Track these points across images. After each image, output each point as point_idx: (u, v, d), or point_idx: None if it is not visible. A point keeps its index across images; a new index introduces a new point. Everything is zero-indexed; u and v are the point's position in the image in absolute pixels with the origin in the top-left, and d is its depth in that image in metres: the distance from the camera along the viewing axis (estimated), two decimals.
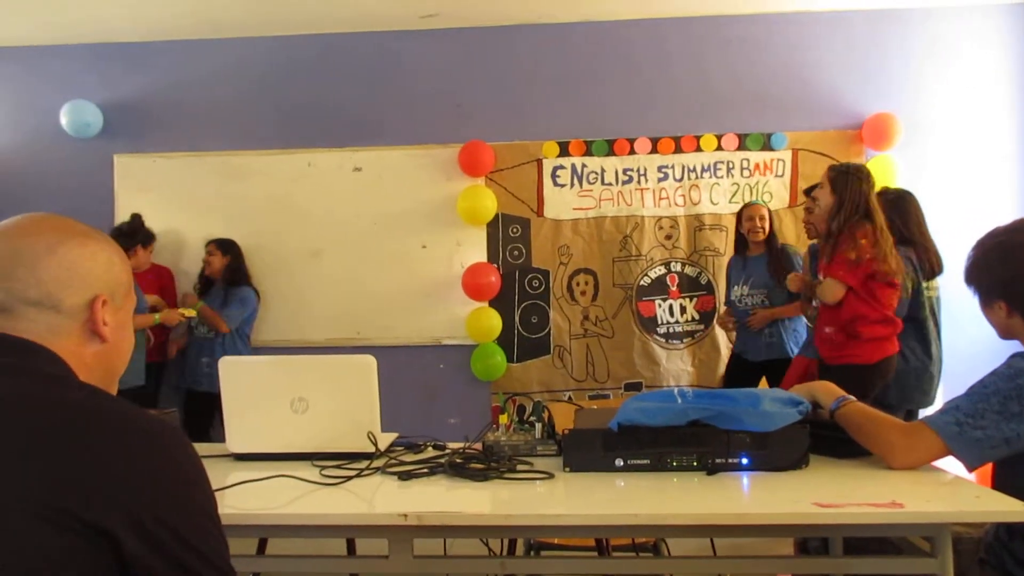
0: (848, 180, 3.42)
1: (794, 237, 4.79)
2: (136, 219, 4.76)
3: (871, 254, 3.27)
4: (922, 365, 3.70)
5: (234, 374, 2.03)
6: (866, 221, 3.35)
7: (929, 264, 3.71)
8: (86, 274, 1.06)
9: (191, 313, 4.60)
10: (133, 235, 4.63)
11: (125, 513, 0.88)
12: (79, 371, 1.03)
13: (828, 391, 1.90)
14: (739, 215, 4.47)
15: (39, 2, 4.64)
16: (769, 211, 4.38)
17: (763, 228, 4.32)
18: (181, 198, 5.23)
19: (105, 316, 1.07)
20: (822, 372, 3.55)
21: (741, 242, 4.46)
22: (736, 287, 4.41)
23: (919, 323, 3.69)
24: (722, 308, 4.77)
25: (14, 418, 0.90)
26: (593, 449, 1.78)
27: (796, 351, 4.25)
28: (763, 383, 4.34)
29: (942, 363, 3.77)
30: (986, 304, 1.77)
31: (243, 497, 1.69)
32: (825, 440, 1.84)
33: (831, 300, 3.36)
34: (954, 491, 1.58)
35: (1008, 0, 4.92)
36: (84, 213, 4.61)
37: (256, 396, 2.02)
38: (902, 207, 3.73)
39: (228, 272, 4.86)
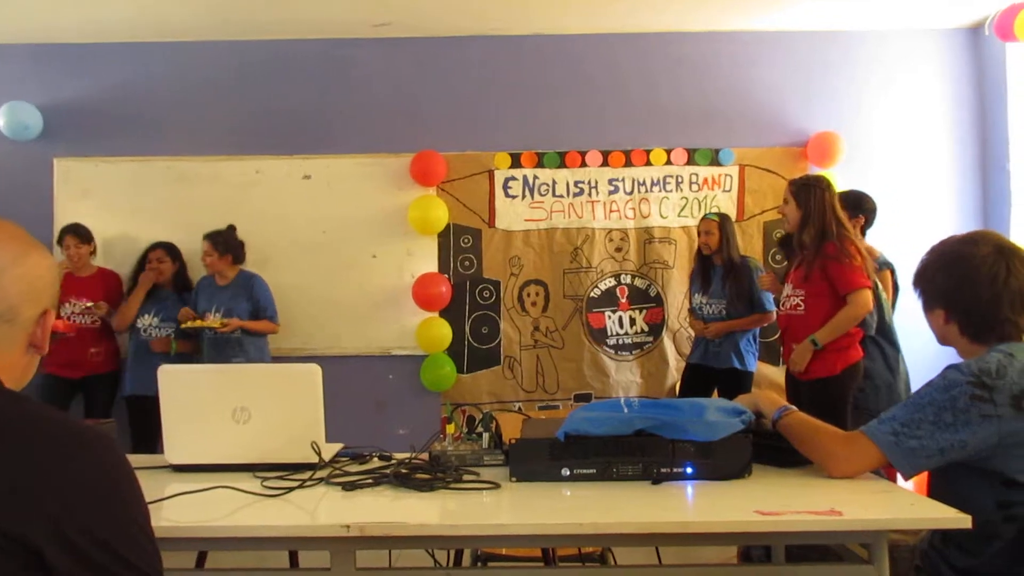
0: (810, 191, 3.57)
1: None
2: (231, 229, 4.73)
3: (860, 260, 3.41)
4: (904, 371, 3.79)
5: (174, 383, 1.98)
6: (844, 231, 3.48)
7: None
8: (43, 288, 1.05)
9: (215, 324, 4.43)
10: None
11: (49, 523, 0.85)
12: (7, 381, 1.00)
13: (771, 401, 1.93)
14: (698, 227, 4.55)
15: None
16: (723, 224, 4.42)
17: (707, 244, 4.40)
18: (125, 204, 5.11)
19: (47, 328, 1.06)
20: (795, 390, 3.63)
21: (701, 252, 4.51)
22: (696, 295, 4.49)
23: (890, 330, 3.77)
24: (686, 315, 4.82)
25: None
26: (540, 459, 1.78)
27: (744, 363, 4.33)
28: (715, 395, 4.40)
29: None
30: (927, 309, 1.82)
31: (181, 509, 1.65)
32: (767, 449, 1.86)
33: (867, 308, 3.43)
34: (890, 499, 1.62)
35: (946, 26, 5.11)
36: (21, 217, 4.42)
37: (196, 405, 1.97)
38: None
39: (178, 279, 4.79)
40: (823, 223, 3.50)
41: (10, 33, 5.02)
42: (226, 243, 4.63)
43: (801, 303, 3.60)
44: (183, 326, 4.52)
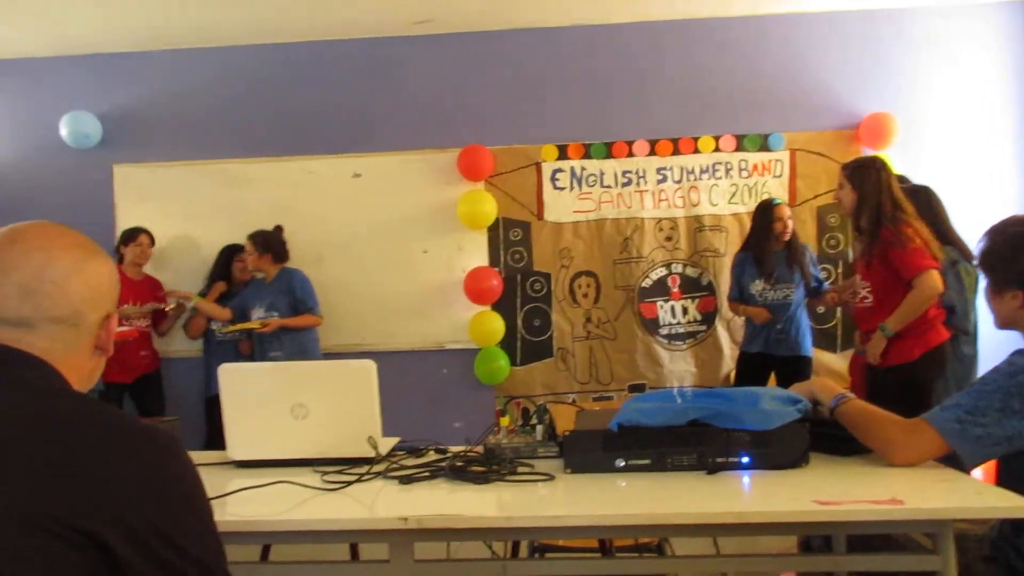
0: (865, 173, 3.44)
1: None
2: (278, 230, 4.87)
3: (920, 242, 3.29)
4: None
5: (234, 381, 2.03)
6: (901, 213, 3.34)
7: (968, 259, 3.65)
8: (105, 292, 1.09)
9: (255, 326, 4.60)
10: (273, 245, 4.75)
11: (118, 521, 0.88)
12: (75, 383, 1.04)
13: (827, 389, 1.90)
14: (762, 213, 4.40)
15: (38, 15, 4.66)
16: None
17: (788, 230, 4.33)
18: (181, 207, 5.25)
19: (111, 331, 1.10)
20: (874, 380, 3.48)
21: (757, 237, 4.39)
22: (757, 282, 4.37)
23: (974, 328, 3.64)
24: (726, 302, 4.74)
25: (9, 429, 0.90)
26: (594, 450, 1.78)
27: (807, 349, 4.32)
28: (772, 382, 4.35)
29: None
30: (997, 291, 1.75)
31: (245, 504, 1.69)
32: (825, 438, 1.83)
33: (936, 290, 3.26)
34: (954, 487, 1.58)
35: None
36: (85, 224, 4.58)
37: (256, 403, 2.01)
38: (924, 202, 3.60)
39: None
40: (878, 204, 3.37)
41: (68, 45, 5.18)
42: (266, 242, 4.74)
43: (868, 295, 3.50)
44: (226, 330, 4.69)
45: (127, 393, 4.83)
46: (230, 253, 4.99)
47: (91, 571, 0.87)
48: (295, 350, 4.64)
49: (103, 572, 0.88)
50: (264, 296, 4.72)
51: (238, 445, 2.03)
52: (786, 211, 4.37)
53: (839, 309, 4.90)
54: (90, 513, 0.87)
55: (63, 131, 5.17)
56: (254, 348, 4.80)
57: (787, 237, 4.34)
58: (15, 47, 5.18)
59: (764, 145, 5.05)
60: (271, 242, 4.76)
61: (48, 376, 1.01)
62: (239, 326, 4.63)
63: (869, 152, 4.84)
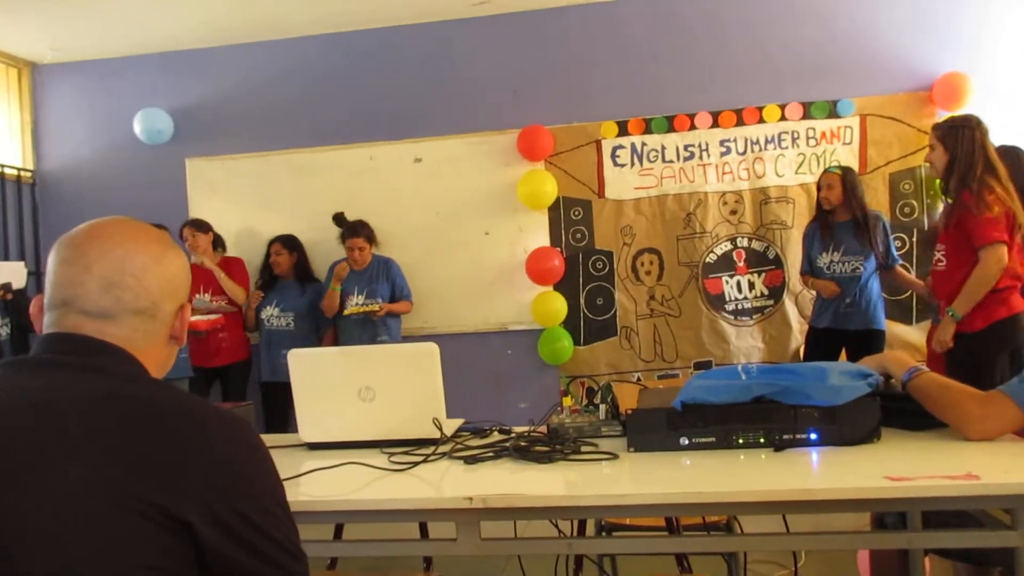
0: (958, 132, 3.30)
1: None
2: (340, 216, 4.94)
3: (1005, 208, 3.15)
4: None
5: (303, 366, 2.08)
6: (989, 177, 3.20)
7: None
8: (179, 284, 1.14)
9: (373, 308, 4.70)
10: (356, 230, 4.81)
11: (199, 502, 0.93)
12: (152, 371, 1.10)
13: (899, 362, 1.85)
14: (818, 182, 4.34)
15: (109, 16, 4.83)
16: (846, 176, 4.22)
17: (827, 198, 4.21)
18: (250, 197, 5.39)
19: (184, 321, 1.15)
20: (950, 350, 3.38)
21: (823, 208, 4.30)
22: (824, 254, 4.27)
23: None
24: (798, 275, 4.63)
25: (96, 415, 0.95)
26: (657, 428, 1.77)
27: (879, 322, 4.20)
28: (842, 357, 4.25)
29: None
30: None
31: (317, 485, 1.75)
32: (898, 412, 1.79)
33: (1000, 265, 3.15)
34: None
35: None
36: (160, 216, 4.77)
37: (325, 387, 2.07)
38: (1012, 165, 3.41)
39: (299, 269, 5.02)
40: (968, 165, 3.23)
41: (139, 45, 5.36)
42: (371, 232, 4.85)
43: (943, 258, 3.38)
44: (348, 311, 4.72)
45: (217, 379, 4.99)
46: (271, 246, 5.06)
47: (181, 552, 0.92)
48: (396, 335, 4.77)
49: (190, 553, 0.93)
50: (361, 283, 4.79)
51: (309, 428, 2.09)
52: (830, 177, 4.22)
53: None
54: (175, 495, 0.92)
55: (137, 128, 5.36)
56: (337, 340, 4.88)
57: (828, 206, 4.21)
58: (89, 49, 5.39)
59: (833, 112, 4.89)
60: (372, 231, 4.85)
61: (129, 364, 1.06)
62: (358, 309, 4.70)
63: (944, 114, 4.64)
